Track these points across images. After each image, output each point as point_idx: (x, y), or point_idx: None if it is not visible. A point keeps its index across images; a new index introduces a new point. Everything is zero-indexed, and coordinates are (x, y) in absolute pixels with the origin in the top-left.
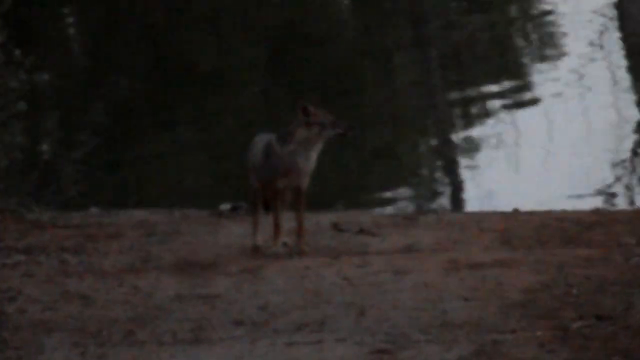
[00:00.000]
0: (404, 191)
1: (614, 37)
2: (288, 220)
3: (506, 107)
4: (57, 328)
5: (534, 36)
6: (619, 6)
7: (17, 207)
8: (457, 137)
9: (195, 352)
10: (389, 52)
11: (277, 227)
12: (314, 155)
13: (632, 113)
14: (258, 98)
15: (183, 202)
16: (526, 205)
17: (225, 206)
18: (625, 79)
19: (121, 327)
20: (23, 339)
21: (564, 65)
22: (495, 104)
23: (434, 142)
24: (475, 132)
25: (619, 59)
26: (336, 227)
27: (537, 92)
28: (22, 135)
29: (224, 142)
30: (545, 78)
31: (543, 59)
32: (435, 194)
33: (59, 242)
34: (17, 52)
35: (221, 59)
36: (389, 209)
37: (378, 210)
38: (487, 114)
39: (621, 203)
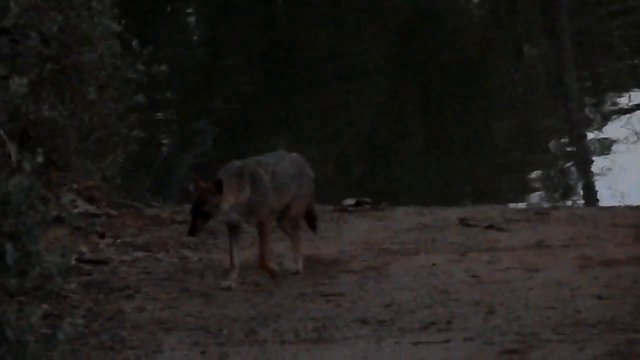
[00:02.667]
0: (534, 186)
1: None
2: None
3: None
4: (176, 327)
5: None
6: None
7: (135, 203)
8: (590, 132)
9: (318, 351)
10: (518, 41)
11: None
12: None
13: None
14: (382, 89)
15: None
16: None
17: (349, 201)
18: None
19: (242, 325)
20: (141, 338)
21: None
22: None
23: (566, 136)
24: (610, 127)
25: None
26: (464, 222)
27: None
28: (139, 128)
29: (346, 136)
30: None
31: None
32: (568, 188)
33: (178, 238)
34: (135, 42)
35: (344, 48)
36: (519, 204)
37: (508, 205)
38: (622, 110)
39: None
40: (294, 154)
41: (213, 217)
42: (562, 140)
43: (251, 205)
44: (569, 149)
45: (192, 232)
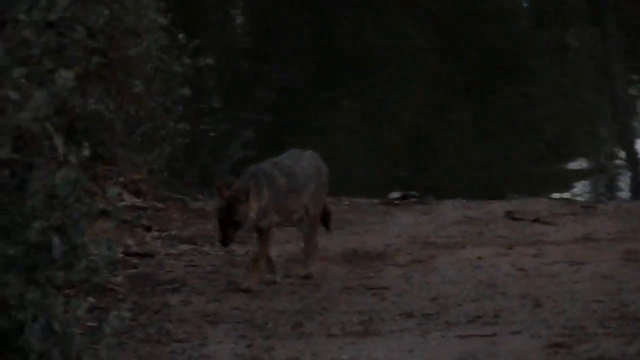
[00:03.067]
0: (581, 179)
1: None
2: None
3: None
4: (222, 320)
5: None
6: None
7: (181, 196)
8: (638, 123)
9: (364, 344)
10: (562, 28)
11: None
12: None
13: None
14: (427, 81)
15: (352, 191)
16: None
17: (395, 194)
18: None
19: (289, 319)
20: (187, 331)
21: None
22: None
23: (613, 128)
24: None
25: None
26: (510, 215)
27: None
28: (186, 121)
29: (392, 129)
30: None
31: None
32: (614, 183)
33: None
34: (181, 35)
35: (388, 38)
36: (565, 198)
37: (554, 199)
38: None
39: None
40: (308, 152)
41: (243, 226)
42: (610, 129)
43: (268, 207)
44: (615, 138)
45: (226, 242)
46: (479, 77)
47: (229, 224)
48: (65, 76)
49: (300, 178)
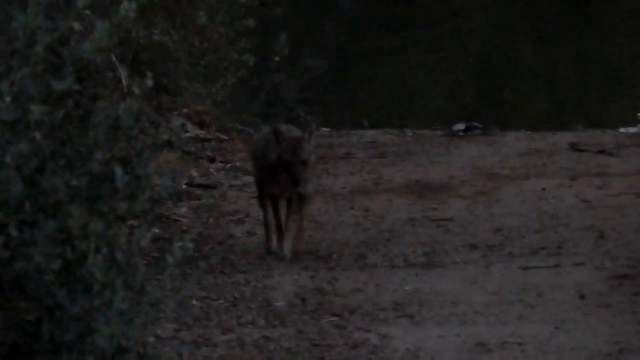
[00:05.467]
0: None
1: None
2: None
3: None
4: None
5: None
6: None
7: (245, 127)
8: None
9: (427, 275)
10: None
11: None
12: None
13: None
14: (493, 13)
15: (415, 122)
16: None
17: (459, 126)
18: None
19: (352, 250)
20: (251, 262)
21: None
22: None
23: None
24: None
25: None
26: (575, 147)
27: None
28: (250, 53)
29: (457, 61)
30: None
31: None
32: None
33: None
34: None
35: None
36: (631, 129)
37: (619, 130)
38: None
39: None
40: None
41: (309, 166)
42: None
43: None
44: None
45: (298, 182)
46: (545, 10)
47: (300, 163)
48: (127, 7)
49: None
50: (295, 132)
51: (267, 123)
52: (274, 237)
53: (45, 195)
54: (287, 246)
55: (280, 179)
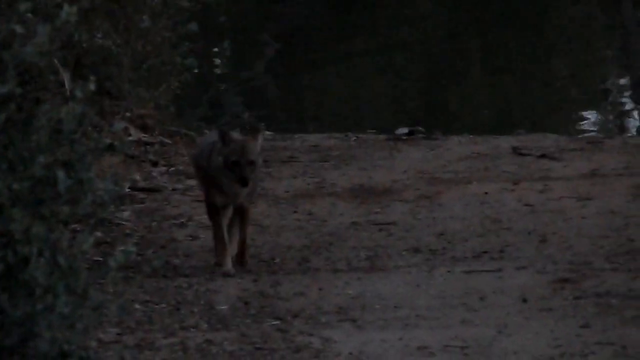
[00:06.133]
0: (588, 115)
1: None
2: None
3: None
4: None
5: None
6: None
7: (188, 131)
8: None
9: (370, 279)
10: None
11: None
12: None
13: None
14: (438, 19)
15: (359, 127)
16: None
17: (402, 130)
18: None
19: (295, 254)
20: (194, 266)
21: None
22: None
23: (621, 64)
24: None
25: None
26: (517, 151)
27: None
28: (193, 57)
29: (401, 65)
30: None
31: None
32: (622, 118)
33: None
34: None
35: None
36: (572, 133)
37: (561, 134)
38: None
39: None
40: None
41: (257, 167)
42: (619, 66)
43: None
44: (625, 79)
45: (247, 182)
46: (490, 17)
47: (249, 163)
48: (68, 11)
49: None
50: (241, 136)
51: (210, 127)
52: (226, 254)
53: None
54: (231, 262)
55: (228, 184)
